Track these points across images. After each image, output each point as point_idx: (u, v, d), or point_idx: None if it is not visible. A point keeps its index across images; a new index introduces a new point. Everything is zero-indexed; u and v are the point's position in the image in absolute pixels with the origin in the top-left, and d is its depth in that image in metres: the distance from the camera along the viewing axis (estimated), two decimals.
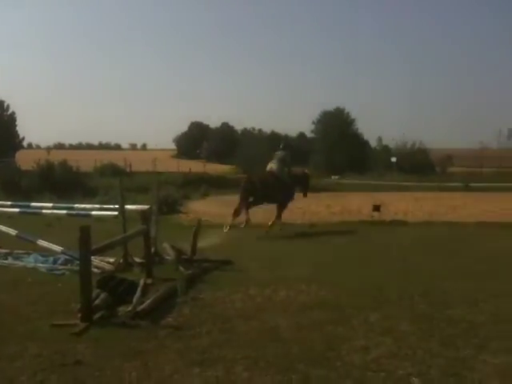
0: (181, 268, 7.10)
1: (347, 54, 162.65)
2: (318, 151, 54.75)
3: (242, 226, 11.53)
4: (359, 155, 51.44)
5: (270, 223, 11.81)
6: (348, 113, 57.86)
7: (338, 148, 51.17)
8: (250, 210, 11.75)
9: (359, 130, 58.33)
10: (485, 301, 5.55)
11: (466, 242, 9.91)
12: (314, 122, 59.83)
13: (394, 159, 41.37)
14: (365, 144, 58.58)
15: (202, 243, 8.19)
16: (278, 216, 12.06)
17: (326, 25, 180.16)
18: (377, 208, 13.92)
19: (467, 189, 28.83)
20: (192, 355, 4.06)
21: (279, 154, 12.49)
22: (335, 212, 16.47)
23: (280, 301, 5.68)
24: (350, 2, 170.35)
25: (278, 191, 11.78)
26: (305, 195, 13.03)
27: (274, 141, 31.98)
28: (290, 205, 12.63)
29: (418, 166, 45.34)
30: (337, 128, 54.61)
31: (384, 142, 59.64)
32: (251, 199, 11.88)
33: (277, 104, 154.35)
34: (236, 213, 11.78)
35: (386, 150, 53.71)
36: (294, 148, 26.50)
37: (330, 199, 21.41)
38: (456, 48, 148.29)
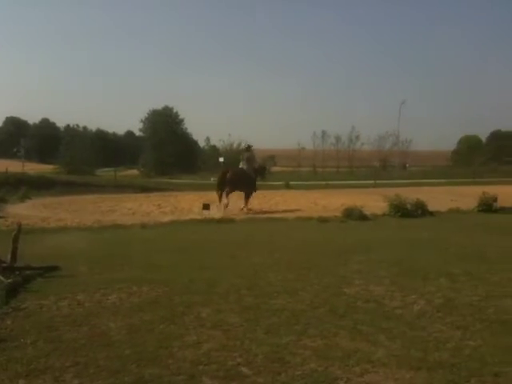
0: (0, 277, 6.49)
1: (171, 53, 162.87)
2: (147, 150, 54.13)
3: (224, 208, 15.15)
4: (188, 155, 52.05)
5: (242, 207, 16.13)
6: (176, 112, 58.20)
7: (166, 147, 51.13)
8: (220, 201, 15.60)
9: (188, 130, 59.07)
10: (303, 290, 6.08)
11: (288, 236, 10.70)
12: (142, 121, 59.01)
13: (221, 159, 42.66)
14: (194, 144, 59.53)
15: None
16: (246, 201, 16.34)
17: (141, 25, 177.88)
18: (206, 206, 14.30)
19: (288, 187, 31.02)
20: (16, 367, 3.80)
21: (246, 154, 16.96)
22: (166, 211, 16.50)
23: (111, 304, 5.54)
24: None
25: (246, 183, 16.16)
26: (263, 176, 18.07)
27: (101, 140, 30.77)
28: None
29: None
30: (165, 127, 54.53)
31: (212, 143, 61.26)
32: (227, 189, 15.69)
33: (103, 101, 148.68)
34: (220, 199, 15.76)
35: (214, 150, 55.22)
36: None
37: (161, 199, 21.39)
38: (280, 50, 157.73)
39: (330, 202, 19.44)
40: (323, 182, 34.94)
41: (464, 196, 18.95)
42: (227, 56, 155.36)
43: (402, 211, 14.08)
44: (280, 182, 32.98)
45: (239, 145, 54.49)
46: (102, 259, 8.09)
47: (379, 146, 66.64)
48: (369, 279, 6.59)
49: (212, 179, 40.00)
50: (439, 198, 19.80)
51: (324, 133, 70.08)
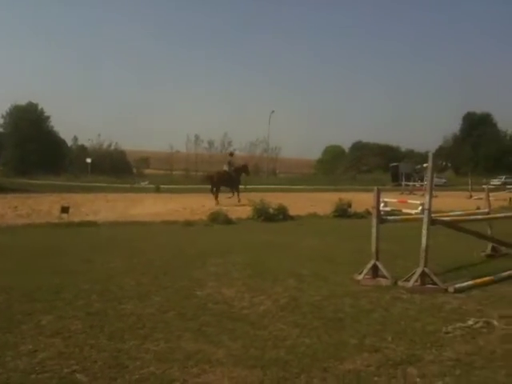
0: None
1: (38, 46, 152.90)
2: (8, 148, 50.23)
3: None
4: (54, 154, 49.17)
5: (238, 201, 20.08)
6: (42, 109, 54.74)
7: (29, 145, 47.85)
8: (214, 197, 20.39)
9: (55, 128, 55.80)
10: (156, 294, 6.06)
11: (150, 240, 10.57)
12: (3, 116, 54.71)
13: (89, 160, 40.96)
14: (61, 143, 56.33)
15: None
16: (238, 194, 20.84)
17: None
18: (65, 210, 13.67)
19: (158, 190, 30.64)
20: None
21: (229, 159, 22.92)
22: (22, 214, 15.48)
23: None
24: None
25: (229, 182, 20.97)
26: (247, 174, 23.14)
27: None
28: None
29: (114, 167, 46.00)
30: (29, 124, 51.02)
31: (80, 142, 58.50)
32: (214, 188, 20.48)
33: None
34: (216, 197, 20.24)
35: (82, 150, 52.76)
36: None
37: (18, 201, 19.99)
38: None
39: (200, 205, 19.55)
40: (196, 186, 35.01)
41: (323, 202, 20.18)
42: (100, 53, 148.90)
43: (265, 215, 14.62)
44: (151, 186, 32.48)
45: (109, 145, 52.91)
46: None
47: (250, 151, 68.55)
48: (222, 281, 6.75)
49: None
50: (301, 203, 20.88)
51: (197, 137, 70.28)
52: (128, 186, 33.42)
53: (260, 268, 7.70)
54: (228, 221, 13.97)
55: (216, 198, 20.36)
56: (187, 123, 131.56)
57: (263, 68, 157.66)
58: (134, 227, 12.92)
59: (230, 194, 21.60)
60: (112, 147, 52.53)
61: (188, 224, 13.29)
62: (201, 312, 5.35)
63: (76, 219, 13.43)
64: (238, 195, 20.80)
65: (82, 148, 53.27)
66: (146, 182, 41.42)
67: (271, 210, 15.00)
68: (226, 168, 21.69)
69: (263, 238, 11.04)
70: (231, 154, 24.27)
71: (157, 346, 4.34)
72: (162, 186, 32.72)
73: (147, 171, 56.50)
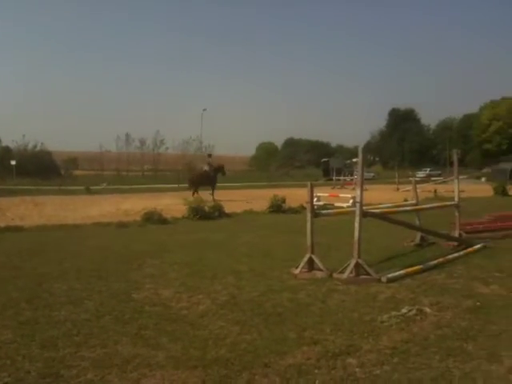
0: None
1: None
2: None
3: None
4: None
5: (212, 198, 19.85)
6: None
7: None
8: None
9: None
10: (90, 298, 5.86)
11: (82, 243, 10.20)
12: None
13: (13, 162, 38.98)
14: None
15: None
16: (213, 193, 21.27)
17: None
18: None
19: (89, 191, 29.65)
20: None
21: (207, 160, 24.34)
22: None
23: None
24: None
25: (208, 180, 22.01)
26: (223, 173, 23.71)
27: None
28: None
29: (41, 169, 44.12)
30: None
31: (4, 143, 55.52)
32: (195, 185, 21.78)
33: None
34: (193, 194, 20.55)
35: (6, 152, 50.14)
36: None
37: None
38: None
39: (133, 206, 19.08)
40: (127, 186, 34.32)
41: (259, 198, 20.34)
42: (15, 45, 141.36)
43: (201, 213, 14.51)
44: (81, 187, 31.40)
45: (35, 146, 50.68)
46: None
47: (184, 150, 67.80)
48: (159, 282, 6.64)
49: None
50: (237, 200, 20.92)
51: (128, 136, 68.62)
52: (56, 188, 32.08)
53: (198, 267, 7.64)
54: (163, 220, 13.76)
55: (194, 193, 21.16)
56: (117, 121, 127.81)
57: (194, 65, 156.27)
58: (65, 231, 12.42)
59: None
60: (38, 148, 50.25)
61: (122, 225, 12.96)
62: (138, 315, 5.23)
63: (1, 224, 12.73)
64: (214, 193, 21.55)
65: (7, 149, 50.56)
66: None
67: (207, 208, 14.92)
68: (206, 168, 23.18)
69: (200, 237, 10.97)
70: (209, 156, 26.09)
71: (93, 353, 4.20)
72: (91, 187, 31.64)
73: (76, 172, 54.42)
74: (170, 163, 59.50)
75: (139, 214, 14.69)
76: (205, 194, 20.42)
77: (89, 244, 10.13)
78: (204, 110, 65.72)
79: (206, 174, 22.60)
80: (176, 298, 5.91)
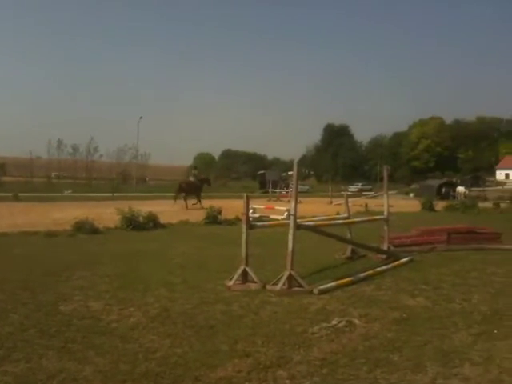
0: None
1: None
2: None
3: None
4: None
5: (199, 207, 22.14)
6: None
7: None
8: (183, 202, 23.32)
9: None
10: (14, 311, 5.59)
11: (6, 253, 9.72)
12: None
13: None
14: None
15: None
16: (199, 201, 23.82)
17: None
18: None
19: (17, 199, 28.36)
20: None
21: (193, 172, 28.22)
22: None
23: None
24: None
25: (195, 190, 24.71)
26: (209, 185, 27.75)
27: None
28: None
29: None
30: None
31: None
32: (183, 194, 23.87)
33: None
34: (175, 199, 23.78)
35: None
36: None
37: None
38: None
39: (64, 215, 18.43)
40: (58, 194, 33.13)
41: (195, 209, 20.16)
42: None
43: (134, 224, 14.22)
44: (8, 194, 29.95)
45: None
46: None
47: (118, 158, 66.44)
48: (89, 295, 6.44)
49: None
50: (171, 210, 20.64)
51: (60, 142, 66.38)
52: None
53: (130, 279, 7.48)
54: (94, 230, 13.36)
55: (176, 199, 23.85)
56: (49, 127, 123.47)
57: (130, 72, 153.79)
58: None
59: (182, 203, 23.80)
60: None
61: (50, 234, 12.47)
62: (65, 328, 5.05)
63: None
64: (200, 200, 24.13)
65: None
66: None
67: (141, 219, 14.64)
68: (192, 179, 26.20)
69: (133, 247, 10.75)
70: (195, 168, 32.16)
71: (16, 368, 4.02)
72: (20, 194, 30.28)
73: (4, 178, 51.96)
74: (103, 171, 58.07)
75: (70, 223, 14.19)
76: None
77: (13, 253, 9.69)
78: (140, 117, 64.78)
79: (193, 184, 25.33)
80: (106, 310, 5.75)
